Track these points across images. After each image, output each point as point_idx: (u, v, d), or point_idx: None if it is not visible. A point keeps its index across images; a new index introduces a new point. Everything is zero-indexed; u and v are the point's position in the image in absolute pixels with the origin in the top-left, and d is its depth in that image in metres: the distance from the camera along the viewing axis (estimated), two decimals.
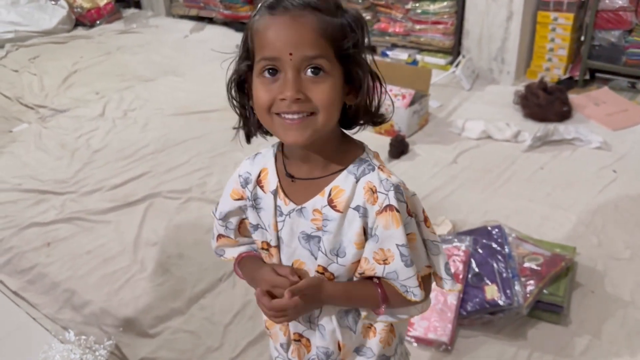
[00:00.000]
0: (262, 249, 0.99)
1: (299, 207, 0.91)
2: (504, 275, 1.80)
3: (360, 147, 0.93)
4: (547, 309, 1.79)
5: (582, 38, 3.61)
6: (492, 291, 1.76)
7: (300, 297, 0.89)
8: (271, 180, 0.94)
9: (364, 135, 0.95)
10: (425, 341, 1.72)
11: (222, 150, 2.89)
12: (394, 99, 2.87)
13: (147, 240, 2.28)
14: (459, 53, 3.83)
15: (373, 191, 0.87)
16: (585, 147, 2.85)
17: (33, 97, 3.68)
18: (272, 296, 0.92)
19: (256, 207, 0.97)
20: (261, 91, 0.84)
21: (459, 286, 0.98)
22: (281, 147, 0.96)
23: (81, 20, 5.12)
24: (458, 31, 3.80)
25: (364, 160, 0.90)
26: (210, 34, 4.92)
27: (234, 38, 4.73)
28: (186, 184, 2.65)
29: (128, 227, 2.36)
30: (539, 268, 1.82)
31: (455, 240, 1.93)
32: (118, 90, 3.74)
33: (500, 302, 1.73)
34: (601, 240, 2.18)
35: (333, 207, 0.89)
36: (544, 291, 1.79)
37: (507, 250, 1.88)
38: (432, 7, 3.84)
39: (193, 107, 3.46)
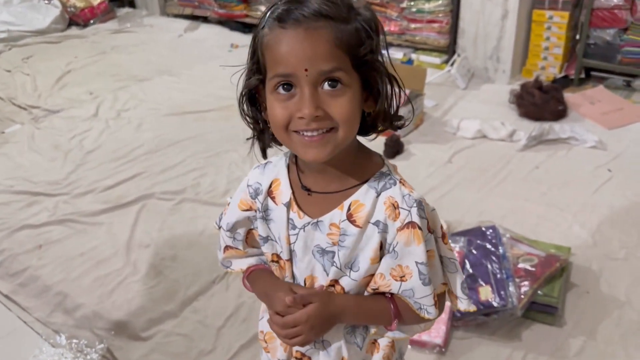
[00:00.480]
0: (272, 261, 0.95)
1: (315, 220, 0.88)
2: (498, 276, 1.79)
3: (379, 158, 0.90)
4: (542, 310, 1.78)
5: (578, 36, 3.60)
6: (486, 292, 1.75)
7: (311, 311, 0.86)
8: (284, 192, 0.90)
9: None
10: (419, 343, 1.71)
11: (217, 150, 2.86)
12: None
13: (140, 242, 2.27)
14: (454, 52, 3.82)
15: (395, 207, 0.84)
16: (580, 146, 2.85)
17: (26, 97, 3.65)
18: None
19: (266, 219, 0.92)
20: (277, 109, 0.80)
21: (474, 307, 0.96)
22: (294, 157, 0.91)
23: (75, 19, 5.09)
24: (453, 30, 3.79)
25: (385, 174, 0.87)
26: (205, 33, 4.90)
27: (229, 37, 4.72)
28: (180, 185, 2.63)
29: (121, 228, 2.34)
30: (533, 269, 1.82)
31: (449, 241, 1.91)
32: (112, 90, 3.72)
33: (495, 304, 1.72)
34: (596, 240, 2.17)
35: (352, 222, 0.85)
36: (539, 292, 1.78)
37: (501, 251, 1.87)
38: (427, 6, 3.83)
39: (188, 107, 3.44)
